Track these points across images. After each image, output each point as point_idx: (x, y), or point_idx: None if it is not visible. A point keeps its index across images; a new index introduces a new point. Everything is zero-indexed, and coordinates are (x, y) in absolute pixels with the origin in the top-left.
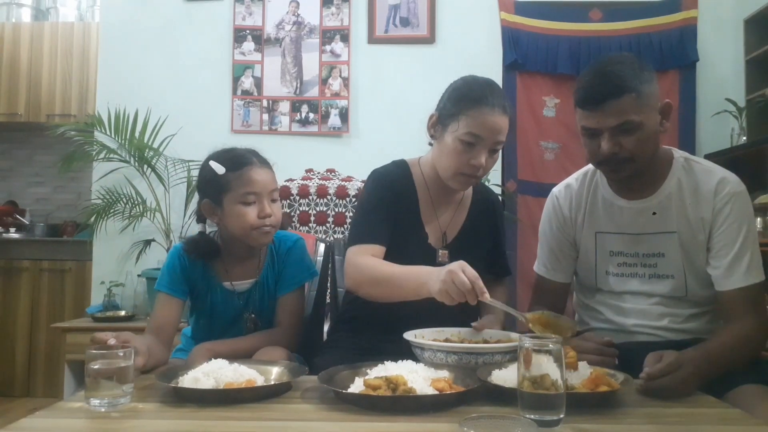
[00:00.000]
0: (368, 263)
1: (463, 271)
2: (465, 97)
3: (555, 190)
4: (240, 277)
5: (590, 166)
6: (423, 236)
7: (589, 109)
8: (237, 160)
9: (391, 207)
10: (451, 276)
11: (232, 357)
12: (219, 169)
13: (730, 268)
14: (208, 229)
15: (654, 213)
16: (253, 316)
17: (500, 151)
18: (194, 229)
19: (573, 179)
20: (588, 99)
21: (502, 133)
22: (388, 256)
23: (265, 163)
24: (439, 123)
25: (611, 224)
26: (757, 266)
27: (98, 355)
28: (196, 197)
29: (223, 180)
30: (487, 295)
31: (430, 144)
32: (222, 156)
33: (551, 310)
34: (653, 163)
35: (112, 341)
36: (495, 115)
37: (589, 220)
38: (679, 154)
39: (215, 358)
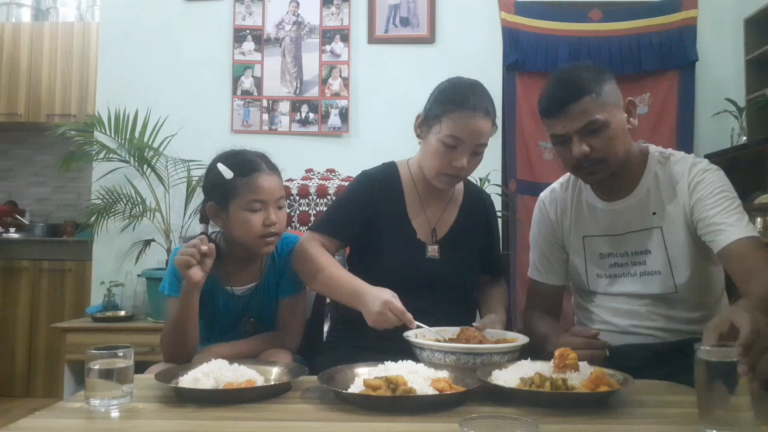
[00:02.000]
0: (317, 256)
1: (390, 308)
2: (448, 100)
3: (542, 194)
4: (241, 281)
5: None
6: (411, 232)
7: (553, 117)
8: (246, 165)
9: (368, 206)
10: (384, 310)
11: (238, 360)
12: (227, 173)
13: (724, 224)
14: (210, 230)
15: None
16: (252, 320)
17: (499, 153)
18: (194, 228)
19: (558, 184)
20: (550, 107)
21: (483, 135)
22: (378, 251)
23: (273, 169)
24: (424, 123)
25: (596, 227)
26: (749, 224)
27: (98, 355)
28: (195, 197)
29: (231, 185)
30: (414, 324)
31: (420, 143)
32: (230, 159)
33: (547, 313)
34: (629, 162)
35: (204, 247)
36: (476, 119)
37: (576, 224)
38: (654, 149)
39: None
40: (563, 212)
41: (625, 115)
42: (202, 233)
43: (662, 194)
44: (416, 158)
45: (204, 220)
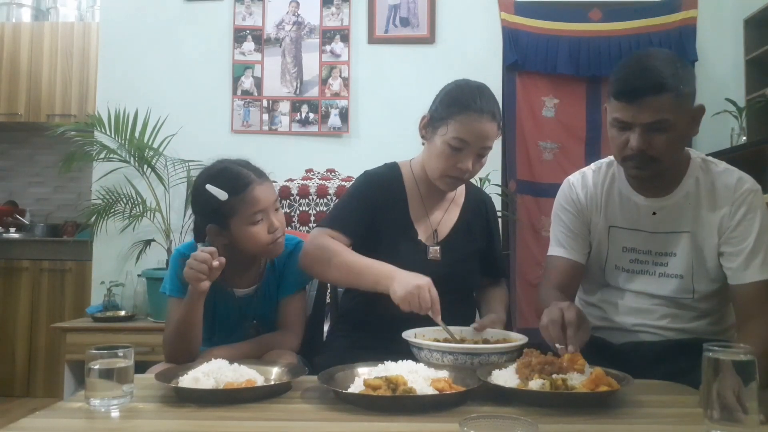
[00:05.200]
0: (330, 245)
1: (429, 290)
2: (455, 102)
3: (571, 177)
4: (242, 283)
5: (606, 159)
6: (412, 234)
7: (625, 102)
8: (237, 181)
9: (372, 205)
10: (419, 291)
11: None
12: (221, 195)
13: (746, 261)
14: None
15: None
16: (255, 322)
17: (499, 153)
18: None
19: (589, 170)
20: (626, 92)
21: (489, 139)
22: (379, 252)
23: (262, 176)
24: (429, 125)
25: (626, 220)
26: None
27: (98, 355)
28: None
29: (227, 205)
30: (439, 317)
31: (424, 144)
32: (218, 178)
33: (562, 292)
34: (673, 162)
35: (215, 263)
36: (483, 122)
37: (604, 213)
38: (695, 154)
39: None
40: (592, 198)
41: (692, 120)
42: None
43: (702, 200)
44: (419, 159)
45: (200, 239)
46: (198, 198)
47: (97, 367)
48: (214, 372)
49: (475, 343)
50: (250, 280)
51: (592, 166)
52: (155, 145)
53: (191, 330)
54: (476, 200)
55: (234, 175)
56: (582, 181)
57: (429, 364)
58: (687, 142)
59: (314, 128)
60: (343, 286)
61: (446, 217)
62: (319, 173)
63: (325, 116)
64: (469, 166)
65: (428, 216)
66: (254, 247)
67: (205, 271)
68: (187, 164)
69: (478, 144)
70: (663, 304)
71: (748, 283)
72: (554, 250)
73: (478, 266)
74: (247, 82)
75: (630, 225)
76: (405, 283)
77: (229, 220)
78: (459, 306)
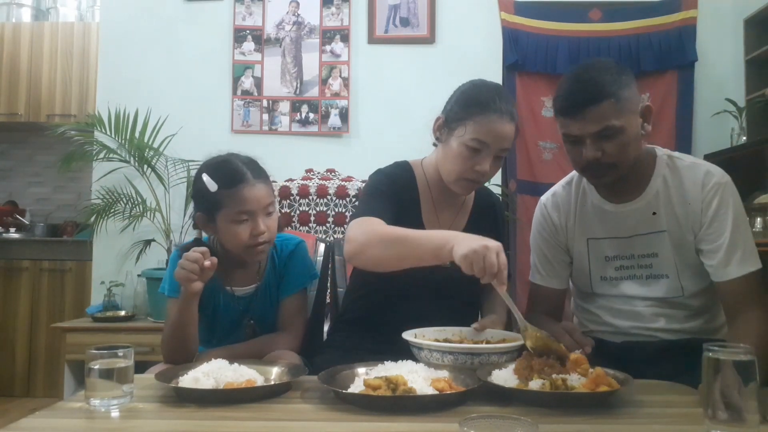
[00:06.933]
0: (377, 225)
1: (497, 254)
2: (473, 102)
3: (543, 198)
4: (241, 282)
5: (576, 173)
6: None
7: (569, 117)
8: (230, 176)
9: (394, 201)
10: (486, 251)
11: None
12: (211, 185)
13: (726, 257)
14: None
15: (654, 213)
16: (252, 322)
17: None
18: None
19: (559, 187)
20: (567, 107)
21: (508, 140)
22: None
23: (260, 176)
24: (445, 126)
25: (602, 230)
26: (752, 254)
27: (98, 355)
28: None
29: (216, 197)
30: (505, 287)
31: (435, 145)
32: (216, 169)
33: (548, 317)
34: (637, 164)
35: (207, 263)
36: (503, 123)
37: (580, 227)
38: (661, 152)
39: None
40: (566, 215)
41: (640, 120)
42: (196, 239)
43: (672, 198)
44: (431, 160)
45: (197, 226)
46: (194, 184)
47: (97, 367)
48: (214, 372)
49: (475, 343)
50: (250, 279)
51: (563, 181)
52: (155, 145)
53: (186, 330)
54: (486, 203)
55: (230, 170)
56: (553, 201)
57: (429, 364)
58: (641, 142)
59: (314, 128)
60: (398, 264)
61: (456, 220)
62: (319, 173)
63: (325, 116)
64: (487, 168)
65: (439, 220)
66: (233, 245)
67: (196, 272)
68: (187, 164)
69: (497, 145)
70: (655, 305)
71: (731, 280)
72: (534, 277)
73: None
74: (247, 82)
75: (606, 234)
76: (471, 240)
77: (215, 212)
78: (464, 309)
